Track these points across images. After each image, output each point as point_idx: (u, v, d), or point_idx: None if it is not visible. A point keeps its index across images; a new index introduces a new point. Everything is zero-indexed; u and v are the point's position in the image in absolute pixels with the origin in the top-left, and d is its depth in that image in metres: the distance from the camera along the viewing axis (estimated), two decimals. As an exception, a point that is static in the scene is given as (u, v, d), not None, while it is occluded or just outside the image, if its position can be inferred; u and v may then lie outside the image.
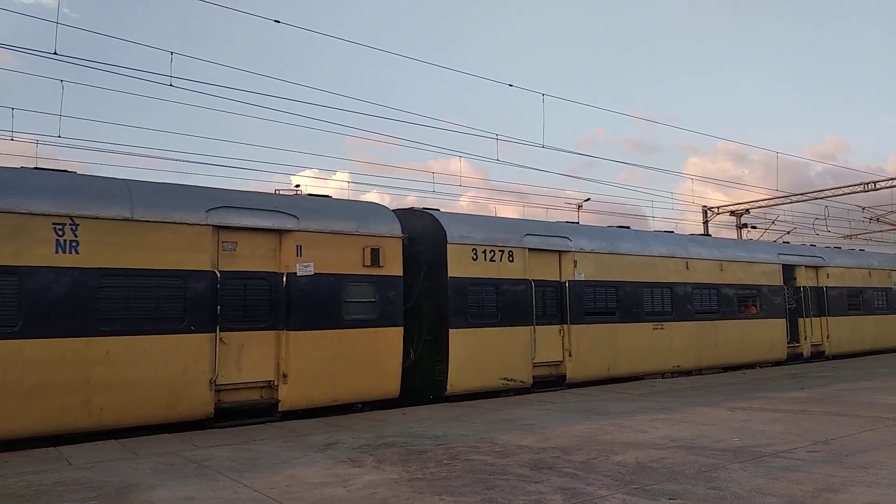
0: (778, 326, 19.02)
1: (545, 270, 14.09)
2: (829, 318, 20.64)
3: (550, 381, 13.93)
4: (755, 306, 18.51)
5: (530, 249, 13.74)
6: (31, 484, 6.38)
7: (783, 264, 19.52)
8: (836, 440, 7.75)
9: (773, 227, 32.96)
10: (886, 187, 29.53)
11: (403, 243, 11.83)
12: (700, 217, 35.60)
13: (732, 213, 35.02)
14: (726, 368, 17.48)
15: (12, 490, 6.16)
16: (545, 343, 13.78)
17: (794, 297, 19.63)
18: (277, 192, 12.25)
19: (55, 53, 11.37)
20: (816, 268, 20.68)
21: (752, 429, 8.66)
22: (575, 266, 14.47)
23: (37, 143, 16.27)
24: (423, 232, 12.75)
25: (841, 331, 21.05)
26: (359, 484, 6.16)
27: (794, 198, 32.69)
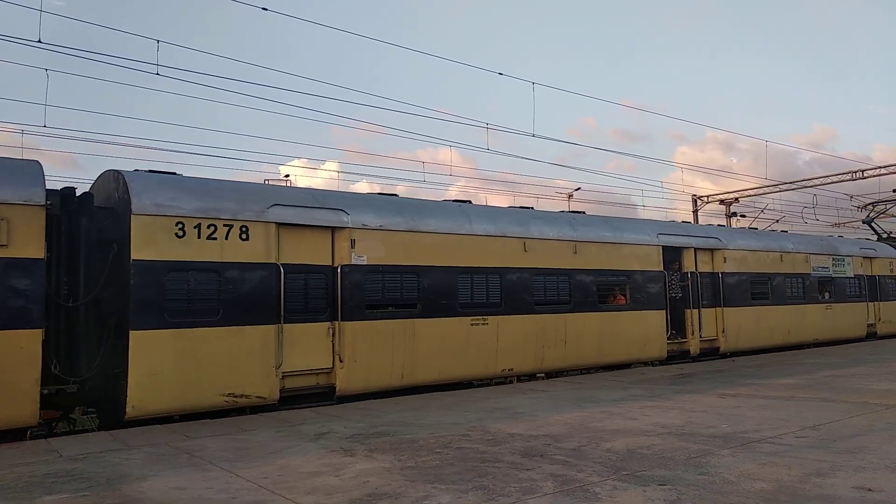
0: (654, 320, 15.95)
1: (308, 252, 11.09)
2: (725, 308, 17.73)
3: (315, 395, 10.93)
4: (624, 296, 15.57)
5: (281, 224, 10.68)
6: (22, 476, 6.36)
7: (664, 246, 16.51)
8: (823, 426, 7.84)
9: (761, 215, 33.17)
10: (874, 176, 29.78)
11: (50, 212, 8.86)
12: (690, 206, 35.77)
13: (722, 201, 35.20)
14: (584, 371, 14.67)
15: (3, 482, 6.14)
16: (303, 346, 10.78)
17: (680, 284, 16.83)
18: (267, 182, 12.14)
19: (39, 41, 11.24)
20: (712, 250, 17.85)
21: (741, 415, 8.74)
22: (353, 246, 11.38)
23: (22, 132, 16.08)
24: (116, 200, 9.98)
25: (741, 323, 18.17)
26: (351, 473, 6.18)
27: (782, 186, 32.90)
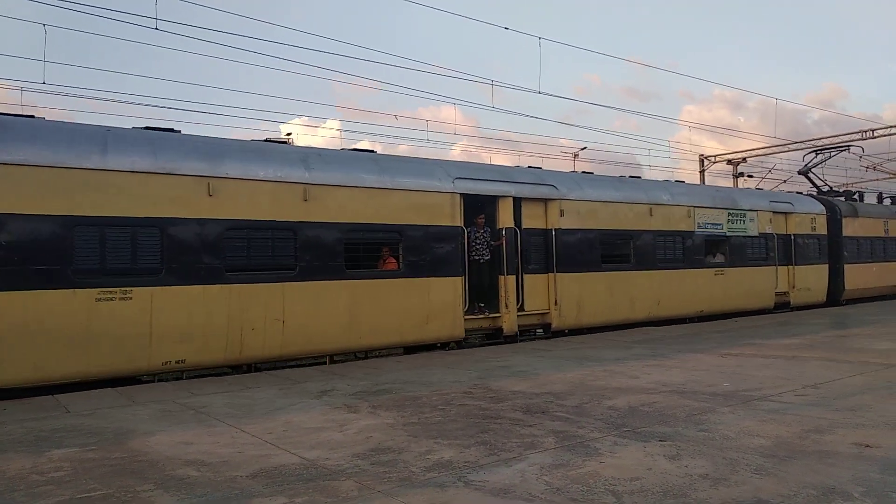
0: (443, 289, 12.26)
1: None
2: (559, 274, 14.07)
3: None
4: (395, 259, 11.95)
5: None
6: (31, 430, 6.47)
7: (464, 194, 12.74)
8: (824, 384, 7.88)
9: (769, 176, 32.87)
10: (885, 135, 29.35)
11: None
12: (697, 166, 35.46)
13: (729, 161, 34.85)
14: (314, 362, 11.16)
15: (13, 436, 6.25)
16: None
17: (490, 244, 13.33)
18: (268, 139, 12.03)
19: (36, -4, 11.01)
20: (545, 201, 14.09)
21: (742, 374, 8.80)
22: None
23: (21, 90, 15.90)
24: None
25: (585, 293, 14.51)
26: (354, 428, 6.26)
27: (791, 146, 32.52)
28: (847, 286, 21.88)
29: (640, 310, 15.68)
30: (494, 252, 13.33)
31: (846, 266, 21.91)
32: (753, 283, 18.63)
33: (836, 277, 21.55)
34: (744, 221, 18.43)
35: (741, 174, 34.67)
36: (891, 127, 29.45)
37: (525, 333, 13.91)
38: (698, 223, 17.09)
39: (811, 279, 20.50)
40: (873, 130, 29.49)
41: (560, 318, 14.13)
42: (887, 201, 27.63)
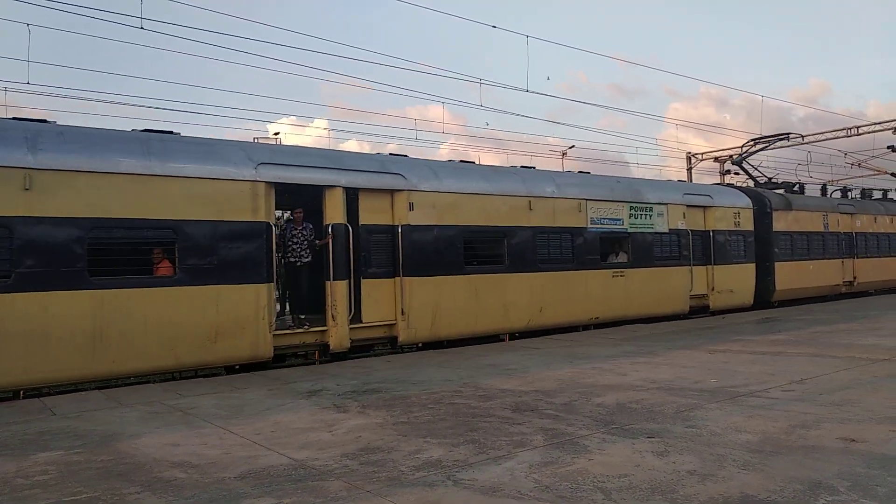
0: (241, 301, 10.12)
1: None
2: (407, 278, 11.88)
3: None
4: (170, 263, 9.77)
5: None
6: (16, 434, 6.40)
7: (273, 183, 10.55)
8: (810, 380, 7.95)
9: (755, 172, 33.07)
10: (868, 132, 29.64)
11: None
12: (684, 164, 35.65)
13: (716, 159, 35.04)
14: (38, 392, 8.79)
15: (-3, 440, 6.18)
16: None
17: (311, 243, 11.29)
18: (256, 140, 12.01)
19: (19, -5, 10.88)
20: (391, 192, 11.91)
21: (729, 370, 8.85)
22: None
23: (5, 90, 15.72)
24: None
25: (442, 301, 12.33)
26: (344, 428, 6.24)
27: (777, 143, 32.71)
28: (778, 287, 19.77)
29: (517, 318, 13.57)
30: (321, 253, 11.32)
31: (777, 265, 19.77)
32: (662, 286, 16.40)
33: (765, 277, 19.47)
34: (650, 216, 16.25)
35: (728, 172, 34.89)
36: (875, 124, 29.75)
37: (363, 349, 11.73)
38: (592, 218, 15.00)
39: (735, 280, 18.39)
40: (858, 127, 29.76)
41: (409, 330, 11.91)
42: (837, 194, 26.06)
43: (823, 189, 25.76)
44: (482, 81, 22.18)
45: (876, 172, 34.07)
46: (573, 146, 34.17)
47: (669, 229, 16.72)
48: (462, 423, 6.27)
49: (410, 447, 5.49)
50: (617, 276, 15.48)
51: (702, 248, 17.61)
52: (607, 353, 10.85)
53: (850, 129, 29.85)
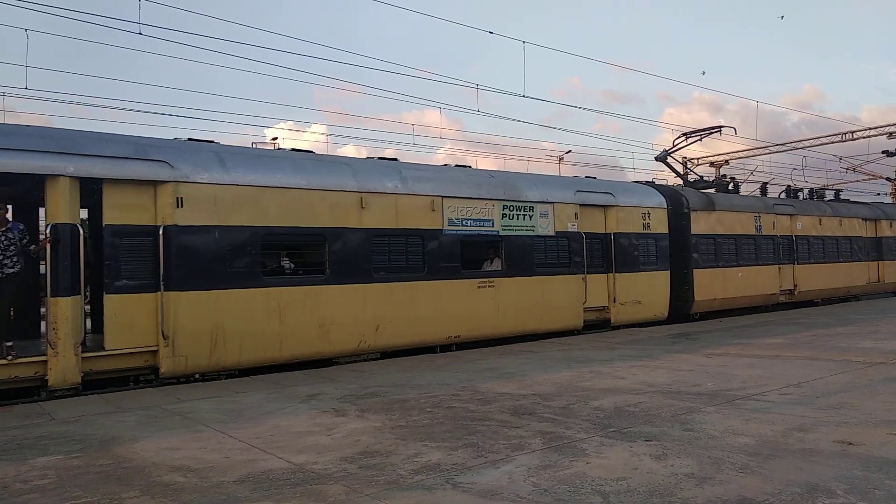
0: None
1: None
2: (173, 293, 9.52)
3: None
4: None
5: None
6: (14, 438, 6.40)
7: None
8: (807, 383, 7.98)
9: (751, 178, 33.21)
10: (863, 137, 29.79)
11: None
12: (680, 168, 35.76)
13: (712, 164, 35.18)
14: None
15: (-5, 444, 6.17)
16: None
17: (31, 248, 9.26)
18: (254, 145, 12.02)
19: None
20: (154, 185, 9.65)
21: (727, 373, 8.88)
22: None
23: (3, 95, 15.71)
24: None
25: (226, 322, 9.98)
26: (342, 432, 6.25)
27: (772, 148, 32.90)
28: (698, 297, 17.43)
29: (342, 339, 11.08)
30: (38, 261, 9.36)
31: (697, 272, 17.47)
32: (547, 298, 14.10)
33: (682, 287, 17.27)
34: (530, 217, 13.98)
35: (724, 176, 35.01)
36: (869, 129, 29.91)
37: (111, 383, 9.29)
38: (450, 219, 12.65)
39: (643, 290, 16.04)
40: (852, 132, 29.93)
41: (175, 358, 9.47)
42: (781, 194, 23.97)
43: (763, 189, 23.38)
44: (479, 87, 22.20)
45: (871, 177, 34.24)
46: (569, 151, 34.18)
47: (557, 232, 14.45)
48: (460, 427, 6.28)
49: (409, 451, 5.51)
50: (485, 286, 13.10)
51: (601, 253, 15.44)
52: (604, 357, 10.87)
53: (845, 133, 30.02)
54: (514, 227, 13.77)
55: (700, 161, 35.54)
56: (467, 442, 5.73)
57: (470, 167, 14.89)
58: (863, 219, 24.44)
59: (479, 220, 13.20)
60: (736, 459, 4.96)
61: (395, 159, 13.19)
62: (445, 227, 12.62)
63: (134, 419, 7.14)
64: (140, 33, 12.16)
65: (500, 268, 13.51)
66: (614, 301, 15.52)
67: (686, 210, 17.63)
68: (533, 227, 14.07)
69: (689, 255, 17.45)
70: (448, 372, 9.83)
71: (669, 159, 21.10)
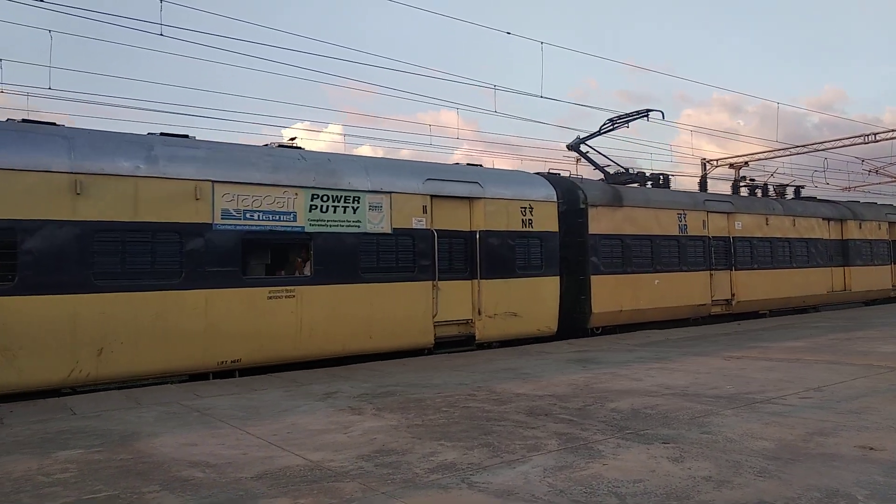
0: None
1: None
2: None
3: None
4: None
5: None
6: (37, 432, 6.50)
7: None
8: (828, 387, 7.88)
9: (771, 180, 32.83)
10: (886, 139, 29.35)
11: None
12: (699, 170, 35.45)
13: (731, 165, 34.85)
14: None
15: (19, 438, 6.28)
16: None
17: None
18: (271, 145, 12.03)
19: (42, 0, 11.09)
20: None
21: (745, 376, 8.79)
22: None
23: (27, 95, 15.98)
24: None
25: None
26: (359, 430, 6.28)
27: (793, 150, 32.52)
28: (597, 308, 14.76)
29: (32, 369, 8.47)
30: None
31: (595, 278, 14.79)
32: (378, 311, 11.44)
33: (577, 296, 14.73)
34: (355, 210, 11.35)
35: (743, 178, 34.66)
36: (892, 130, 29.45)
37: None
38: (225, 210, 10.10)
39: (521, 300, 13.28)
40: (875, 134, 29.47)
41: None
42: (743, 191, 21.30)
43: (702, 182, 20.63)
44: (497, 87, 22.17)
45: (894, 179, 33.73)
46: (588, 152, 33.93)
47: (395, 229, 11.79)
48: (476, 427, 6.28)
49: (425, 449, 5.52)
50: (279, 297, 10.44)
51: (463, 255, 12.71)
52: (621, 359, 10.81)
53: (868, 135, 29.57)
54: (330, 223, 11.09)
55: (719, 162, 35.25)
56: (483, 442, 5.73)
57: (270, 146, 11.80)
58: (824, 219, 21.40)
59: (275, 212, 10.55)
60: (755, 463, 4.91)
61: (186, 135, 10.62)
62: (217, 222, 9.99)
63: (153, 415, 7.22)
64: (161, 34, 12.27)
65: (309, 273, 10.90)
66: (479, 313, 12.72)
67: (583, 205, 14.81)
68: (359, 222, 11.41)
69: (586, 259, 14.81)
70: (464, 372, 9.83)
71: (586, 148, 17.69)
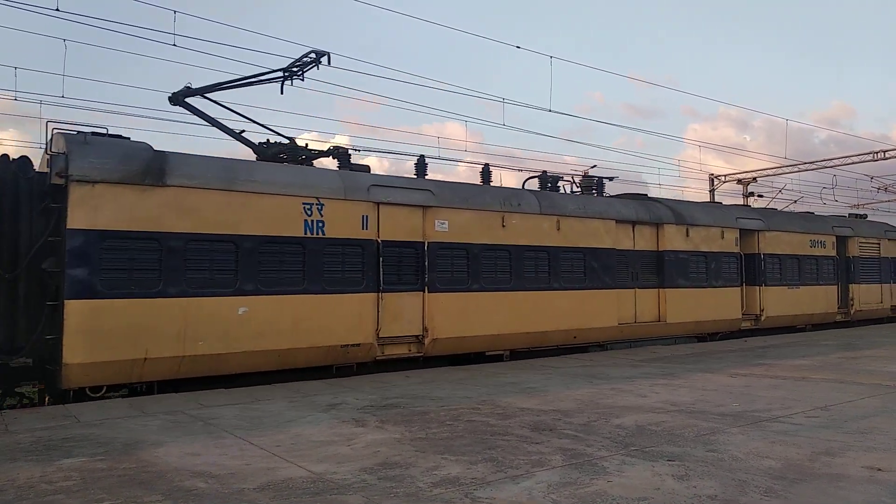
0: None
1: None
2: None
3: None
4: None
5: None
6: (41, 440, 6.51)
7: None
8: (835, 406, 7.81)
9: (779, 196, 32.73)
10: (895, 157, 29.23)
11: None
12: (706, 185, 35.39)
13: (739, 181, 34.77)
14: None
15: (22, 445, 6.29)
16: None
17: None
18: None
19: (57, 10, 11.23)
20: None
21: (751, 394, 8.73)
22: None
23: (41, 103, 16.19)
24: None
25: None
26: (362, 443, 6.26)
27: (801, 166, 32.42)
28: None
29: None
30: None
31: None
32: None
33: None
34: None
35: (751, 194, 34.57)
36: (902, 148, 29.32)
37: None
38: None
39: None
40: (885, 151, 29.36)
41: None
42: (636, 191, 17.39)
43: (546, 179, 15.26)
44: (505, 101, 22.25)
45: (903, 197, 33.57)
46: (595, 165, 33.98)
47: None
48: (480, 441, 6.26)
49: (428, 463, 5.50)
50: None
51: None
52: (626, 375, 10.76)
53: (877, 152, 29.46)
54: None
55: (727, 178, 35.19)
56: (487, 456, 5.70)
57: None
58: (618, 221, 14.79)
59: None
60: (760, 482, 4.87)
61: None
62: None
63: (157, 424, 7.22)
64: (174, 45, 12.38)
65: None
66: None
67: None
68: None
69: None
70: (469, 385, 9.80)
71: (194, 102, 11.72)
